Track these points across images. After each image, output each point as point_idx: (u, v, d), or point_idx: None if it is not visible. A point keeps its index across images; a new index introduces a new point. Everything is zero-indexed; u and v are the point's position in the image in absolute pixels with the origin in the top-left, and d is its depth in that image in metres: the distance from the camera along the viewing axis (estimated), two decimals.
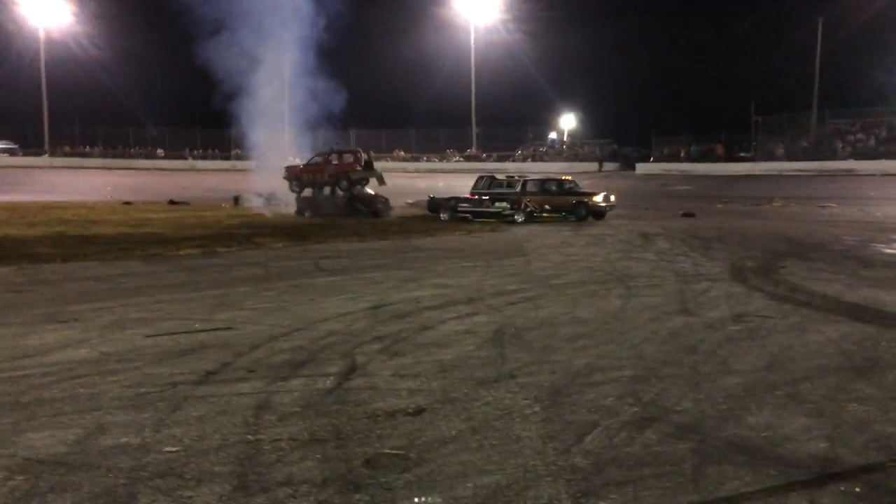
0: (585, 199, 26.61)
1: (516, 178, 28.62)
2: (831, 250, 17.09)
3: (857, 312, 10.08)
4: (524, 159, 66.78)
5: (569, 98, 71.65)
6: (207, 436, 5.69)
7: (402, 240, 20.28)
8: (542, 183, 27.62)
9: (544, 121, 71.88)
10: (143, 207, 30.47)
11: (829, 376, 7.24)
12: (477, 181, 28.76)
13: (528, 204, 26.15)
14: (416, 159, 69.67)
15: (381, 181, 29.42)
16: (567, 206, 26.56)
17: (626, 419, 6.05)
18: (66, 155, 72.75)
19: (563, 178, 28.80)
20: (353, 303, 10.74)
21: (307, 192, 29.98)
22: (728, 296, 11.21)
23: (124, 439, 5.63)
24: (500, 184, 28.15)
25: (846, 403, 6.50)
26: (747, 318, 9.67)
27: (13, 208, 28.33)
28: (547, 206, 26.49)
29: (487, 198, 26.73)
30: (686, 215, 27.93)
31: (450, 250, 18.04)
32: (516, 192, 27.07)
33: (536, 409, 6.25)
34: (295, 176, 30.38)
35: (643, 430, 5.83)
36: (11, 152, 71.29)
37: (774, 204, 33.97)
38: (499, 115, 71.37)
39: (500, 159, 66.57)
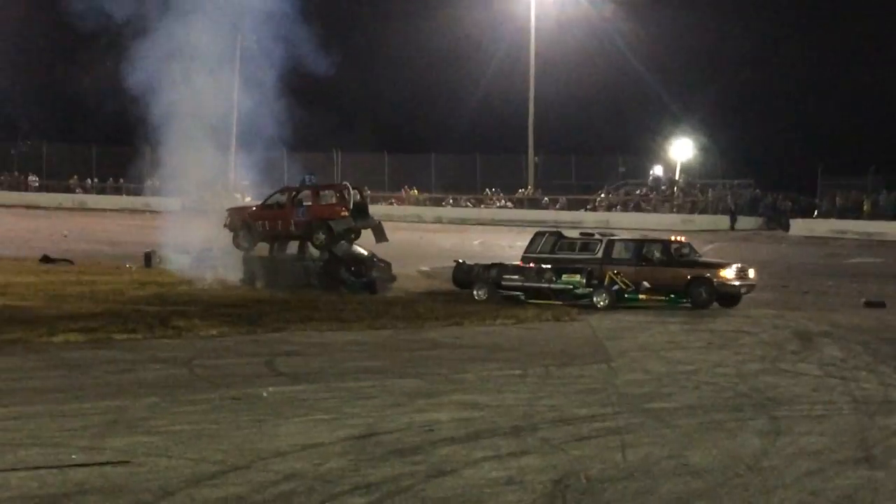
0: (708, 274, 26.50)
1: (596, 236, 28.60)
2: None
3: None
4: (610, 207, 67.00)
5: (685, 115, 71.81)
6: None
7: (409, 329, 20.17)
8: (640, 246, 27.60)
9: (644, 149, 71.96)
10: (1, 266, 30.89)
11: None
12: (534, 240, 28.84)
13: (616, 278, 26.09)
14: (438, 202, 70.22)
15: (379, 236, 29.59)
16: (679, 283, 26.42)
17: None
18: None
19: (674, 238, 28.76)
20: (327, 428, 10.66)
21: (261, 249, 30.19)
22: None
23: None
24: (570, 245, 28.15)
25: None
26: None
27: None
28: (646, 283, 26.36)
29: (550, 267, 26.73)
30: (871, 305, 27.62)
31: (485, 349, 17.88)
32: (597, 260, 27.05)
33: None
34: (243, 224, 30.70)
35: None
36: None
37: None
38: (571, 137, 71.90)
39: (572, 206, 66.83)
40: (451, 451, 9.83)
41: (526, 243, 29.18)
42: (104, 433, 10.18)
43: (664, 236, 29.71)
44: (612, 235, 28.98)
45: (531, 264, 27.23)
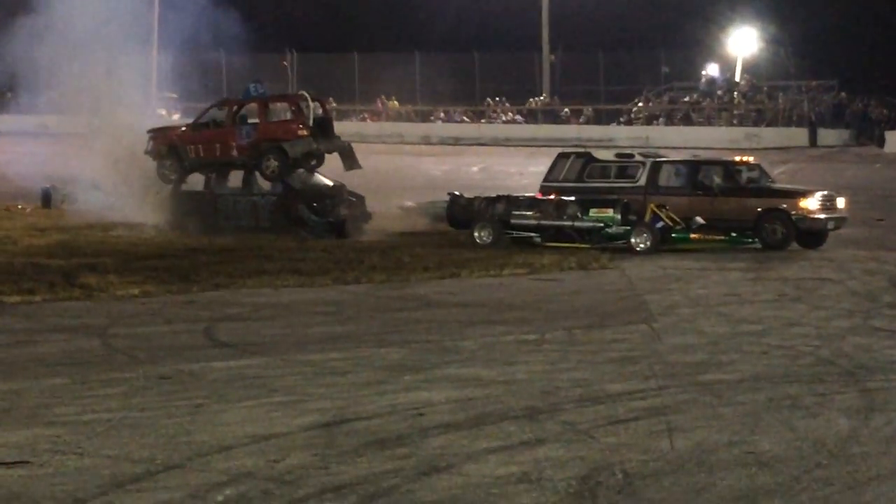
0: (784, 205, 26.49)
1: (637, 158, 28.54)
2: None
3: None
4: (650, 119, 66.74)
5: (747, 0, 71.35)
6: None
7: (389, 284, 20.24)
8: (695, 170, 27.49)
9: (694, 42, 71.61)
10: None
11: None
12: (556, 164, 28.80)
13: (661, 213, 26.08)
14: (426, 117, 69.93)
15: (349, 161, 29.56)
16: (746, 217, 26.41)
17: None
18: None
19: (740, 159, 28.70)
20: (286, 415, 10.71)
21: (194, 182, 30.12)
22: None
23: None
24: (603, 170, 28.11)
25: None
26: None
27: None
28: (699, 219, 26.41)
29: (575, 199, 26.72)
30: None
31: (490, 307, 17.94)
32: (638, 189, 27.00)
33: None
34: (170, 149, 30.59)
35: None
36: None
37: None
38: (598, 28, 71.44)
39: (600, 119, 66.59)
40: (446, 440, 9.87)
41: (543, 169, 29.14)
42: None
43: (725, 157, 29.64)
44: (658, 157, 28.95)
45: (552, 195, 27.20)
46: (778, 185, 28.34)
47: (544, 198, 27.31)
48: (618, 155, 29.49)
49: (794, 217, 26.21)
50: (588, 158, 28.79)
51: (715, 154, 31.84)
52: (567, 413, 10.90)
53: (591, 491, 8.63)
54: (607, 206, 26.12)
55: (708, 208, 26.43)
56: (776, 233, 26.18)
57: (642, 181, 27.29)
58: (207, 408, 10.96)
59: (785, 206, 26.40)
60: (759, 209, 26.36)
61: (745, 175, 27.51)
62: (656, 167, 27.64)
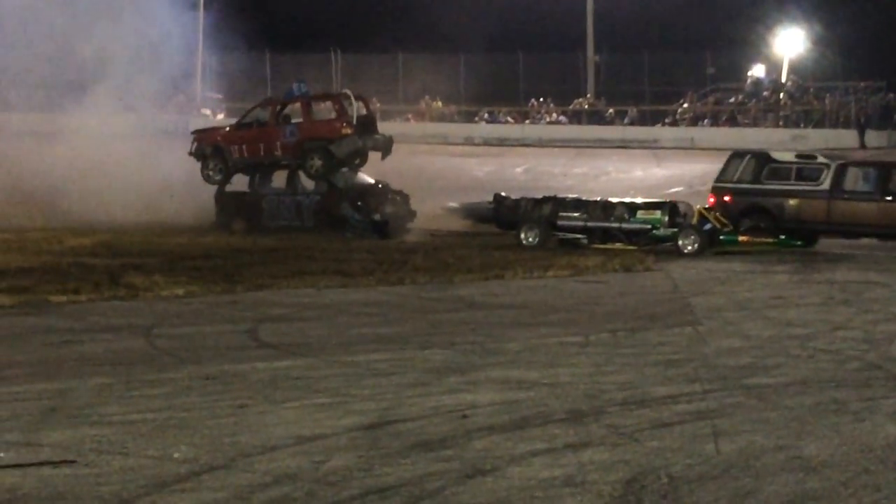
0: None
1: (821, 159, 27.86)
2: None
3: None
4: (695, 120, 66.41)
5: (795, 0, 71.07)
6: None
7: (433, 285, 20.30)
8: (884, 173, 26.82)
9: (740, 42, 71.33)
10: None
11: None
12: (729, 164, 28.00)
13: (709, 215, 26.01)
14: (470, 118, 69.86)
15: (385, 150, 29.66)
16: None
17: None
18: None
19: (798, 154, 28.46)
20: (330, 416, 10.72)
21: (238, 182, 30.27)
22: None
23: None
24: (783, 172, 27.39)
25: None
26: None
27: None
28: (748, 221, 26.40)
29: (622, 201, 26.68)
30: None
31: (534, 309, 17.94)
32: (822, 192, 26.09)
33: None
34: (214, 149, 30.73)
35: None
36: None
37: None
38: (643, 28, 71.25)
39: (644, 120, 66.34)
40: (490, 443, 9.85)
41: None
42: (41, 425, 10.25)
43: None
44: (843, 159, 28.33)
45: (727, 197, 26.80)
46: None
47: (590, 200, 27.33)
48: (798, 155, 28.87)
49: None
50: (765, 159, 28.10)
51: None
52: (611, 416, 10.88)
53: (635, 495, 8.59)
54: (655, 208, 26.14)
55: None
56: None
57: (826, 184, 26.63)
58: (251, 408, 10.99)
59: None
60: None
61: None
62: (842, 169, 26.92)
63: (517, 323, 16.69)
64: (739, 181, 27.48)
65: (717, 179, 28.00)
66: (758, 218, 26.60)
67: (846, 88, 66.69)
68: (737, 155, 28.83)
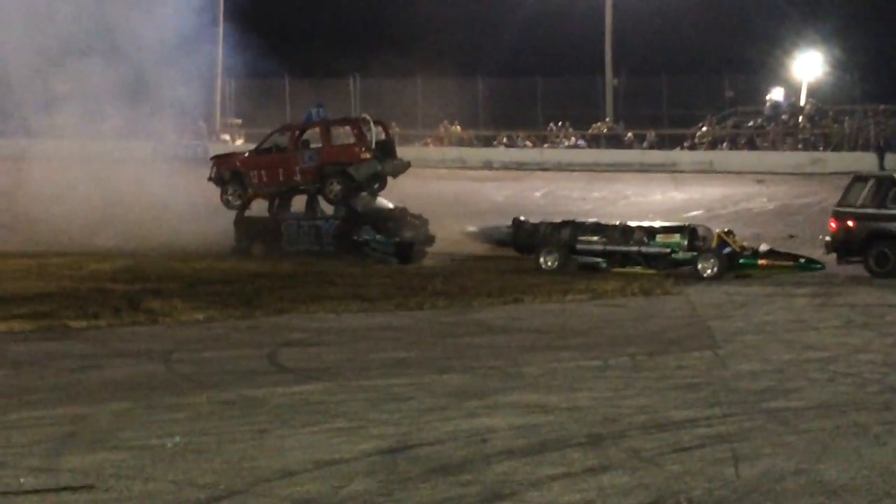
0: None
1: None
2: None
3: None
4: (714, 143, 66.21)
5: (812, 20, 70.87)
6: None
7: (452, 309, 20.27)
8: None
9: (758, 66, 71.20)
10: None
11: None
12: (852, 187, 26.96)
13: (728, 239, 25.99)
14: (488, 142, 69.81)
15: (398, 169, 29.72)
16: None
17: None
18: None
19: None
20: (348, 440, 10.71)
21: (258, 207, 30.30)
22: None
23: None
24: None
25: None
26: None
27: None
28: (766, 245, 26.36)
29: (641, 225, 26.66)
30: None
31: (553, 333, 17.91)
32: None
33: None
34: (233, 174, 30.79)
35: None
36: None
37: None
38: (662, 52, 71.20)
39: (663, 144, 66.21)
40: (509, 467, 9.82)
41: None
42: (60, 449, 10.26)
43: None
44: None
45: (850, 222, 26.02)
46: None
47: (609, 224, 27.31)
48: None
49: None
50: (890, 182, 27.14)
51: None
52: (631, 440, 10.84)
53: None
54: (674, 232, 26.12)
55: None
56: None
57: None
58: (271, 433, 10.97)
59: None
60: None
61: None
62: None
63: (536, 347, 16.66)
64: (862, 205, 26.46)
65: (839, 203, 27.03)
66: (883, 244, 25.99)
67: (865, 111, 66.54)
68: (859, 178, 28.01)
